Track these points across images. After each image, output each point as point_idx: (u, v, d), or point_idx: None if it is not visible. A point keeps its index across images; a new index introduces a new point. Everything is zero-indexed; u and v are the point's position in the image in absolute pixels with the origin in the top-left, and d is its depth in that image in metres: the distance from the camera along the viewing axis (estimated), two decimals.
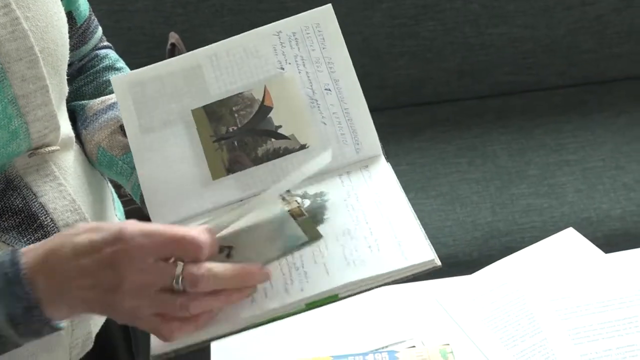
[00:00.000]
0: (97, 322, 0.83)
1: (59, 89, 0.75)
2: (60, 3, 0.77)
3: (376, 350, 0.82)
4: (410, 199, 1.45)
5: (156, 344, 0.65)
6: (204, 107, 0.78)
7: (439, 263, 0.67)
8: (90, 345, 0.82)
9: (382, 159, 0.78)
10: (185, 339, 0.64)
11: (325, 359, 0.79)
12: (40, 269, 0.61)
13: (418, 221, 0.70)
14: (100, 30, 0.92)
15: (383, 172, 0.76)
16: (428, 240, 0.69)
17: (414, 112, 1.74)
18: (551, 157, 1.58)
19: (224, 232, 0.69)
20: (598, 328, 0.81)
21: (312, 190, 0.75)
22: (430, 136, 1.67)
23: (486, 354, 0.81)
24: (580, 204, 1.47)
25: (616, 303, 0.83)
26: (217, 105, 0.78)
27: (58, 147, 0.74)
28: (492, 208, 1.48)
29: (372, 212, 0.72)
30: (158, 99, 0.77)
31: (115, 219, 0.89)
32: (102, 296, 0.60)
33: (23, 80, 0.69)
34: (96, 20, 0.91)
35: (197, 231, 0.62)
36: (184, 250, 0.60)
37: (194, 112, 0.78)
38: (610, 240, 1.40)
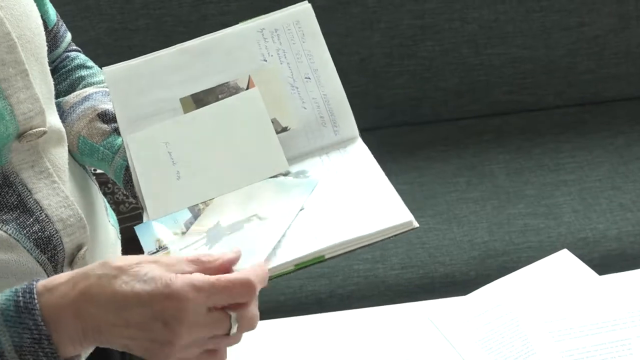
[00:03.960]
0: None
1: (42, 76, 0.78)
2: (37, 2, 0.81)
3: None
4: None
5: None
6: (191, 95, 0.82)
7: (416, 224, 0.72)
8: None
9: (359, 140, 0.82)
10: None
11: None
12: (69, 310, 0.59)
13: (395, 190, 0.75)
14: (69, 35, 0.96)
15: (360, 151, 0.81)
16: (406, 206, 0.73)
17: (412, 132, 1.75)
18: (549, 177, 1.59)
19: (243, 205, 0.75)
20: (592, 350, 0.81)
21: (294, 169, 0.80)
22: (428, 155, 1.67)
23: None
24: (577, 224, 1.47)
25: (609, 325, 0.83)
26: (203, 93, 0.82)
27: (46, 129, 0.76)
28: (489, 228, 1.48)
29: (351, 184, 0.77)
30: (148, 89, 0.82)
31: (109, 225, 0.91)
32: (151, 346, 0.58)
33: (3, 64, 0.72)
34: (64, 25, 0.95)
35: (247, 273, 0.61)
36: (237, 297, 0.60)
37: (182, 100, 0.82)
38: (606, 260, 1.40)
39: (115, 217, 0.97)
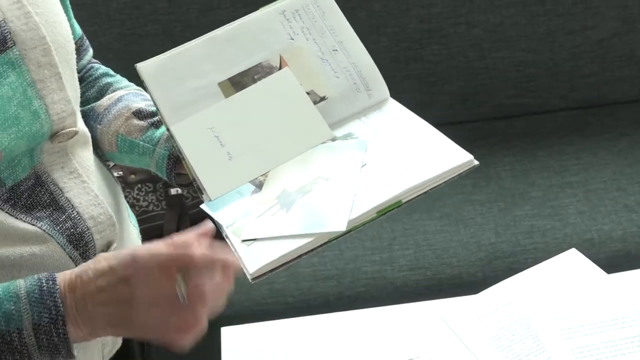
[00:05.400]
0: None
1: (72, 82, 0.81)
2: (62, 9, 0.84)
3: None
4: (414, 220, 1.47)
5: (251, 267, 0.72)
6: (229, 79, 0.86)
7: (476, 162, 0.78)
8: (119, 343, 0.89)
9: (391, 99, 0.88)
10: (275, 259, 0.72)
11: None
12: (68, 289, 0.68)
13: (445, 135, 0.80)
14: (91, 50, 1.00)
15: (396, 108, 0.86)
16: (461, 147, 0.78)
17: None
18: (554, 179, 1.60)
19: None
20: (601, 347, 0.82)
21: (340, 132, 0.84)
22: None
23: None
24: (582, 225, 1.48)
25: (618, 323, 0.84)
26: (240, 76, 0.86)
27: (77, 130, 0.80)
28: (496, 229, 1.50)
29: (402, 136, 0.82)
30: (186, 78, 0.85)
31: (131, 225, 0.95)
32: (118, 310, 0.68)
33: (39, 66, 0.76)
34: (87, 41, 0.99)
35: (191, 247, 0.68)
36: (182, 264, 0.68)
37: (220, 84, 0.86)
38: (611, 261, 1.41)
39: (135, 218, 0.99)
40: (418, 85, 1.75)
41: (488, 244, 1.47)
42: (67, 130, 0.78)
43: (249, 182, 0.81)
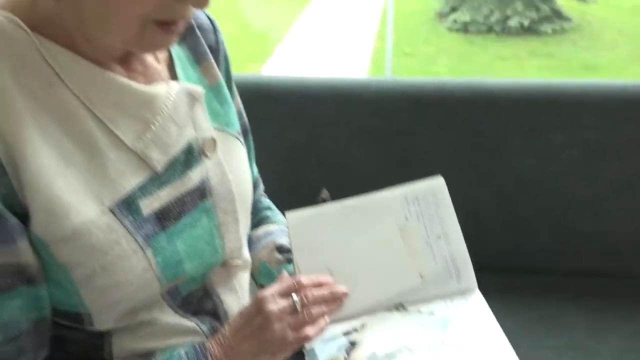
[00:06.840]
0: None
1: (245, 221, 1.00)
2: (250, 168, 1.02)
3: None
4: None
5: None
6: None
7: None
8: None
9: (477, 291, 0.99)
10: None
11: None
12: (215, 343, 0.89)
13: (510, 345, 0.91)
14: (262, 186, 1.19)
15: (478, 302, 0.98)
16: None
17: (501, 278, 1.85)
18: (625, 343, 1.64)
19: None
20: None
21: (424, 308, 0.97)
22: (510, 301, 1.75)
23: None
24: None
25: None
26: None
27: (241, 262, 0.98)
28: None
29: (471, 334, 0.92)
30: (319, 232, 0.99)
31: None
32: (259, 337, 0.87)
33: (225, 213, 0.93)
34: (260, 179, 1.19)
35: (299, 277, 0.92)
36: (295, 289, 0.91)
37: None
38: None
39: None
40: (510, 233, 1.87)
41: None
42: (234, 261, 0.96)
43: (345, 337, 0.92)
